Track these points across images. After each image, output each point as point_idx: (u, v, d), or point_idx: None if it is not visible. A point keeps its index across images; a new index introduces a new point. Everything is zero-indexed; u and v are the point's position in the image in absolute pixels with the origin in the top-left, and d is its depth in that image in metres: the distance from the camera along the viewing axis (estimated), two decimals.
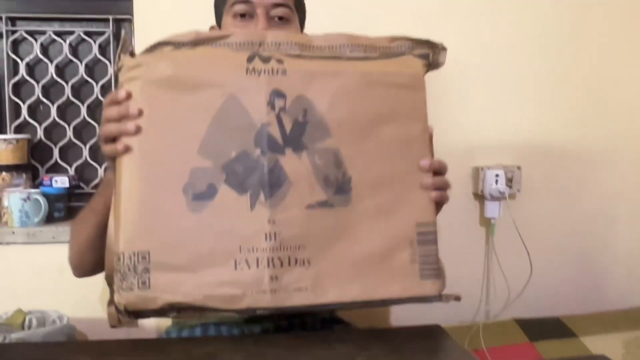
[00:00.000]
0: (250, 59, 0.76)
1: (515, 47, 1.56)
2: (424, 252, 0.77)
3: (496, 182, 1.50)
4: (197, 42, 0.79)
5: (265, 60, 0.76)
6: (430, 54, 0.86)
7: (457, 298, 0.78)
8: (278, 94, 0.76)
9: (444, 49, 0.85)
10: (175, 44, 0.78)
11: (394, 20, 1.50)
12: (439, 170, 0.84)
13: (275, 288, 0.71)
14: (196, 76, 0.76)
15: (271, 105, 0.76)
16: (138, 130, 0.73)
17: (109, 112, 0.76)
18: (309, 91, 0.77)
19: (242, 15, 0.97)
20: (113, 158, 0.76)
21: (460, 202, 1.57)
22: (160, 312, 0.71)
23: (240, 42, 0.78)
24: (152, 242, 0.71)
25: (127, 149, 0.73)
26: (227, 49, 0.78)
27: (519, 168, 1.54)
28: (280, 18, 0.98)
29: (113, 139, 0.75)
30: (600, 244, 1.64)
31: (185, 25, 1.39)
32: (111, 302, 0.72)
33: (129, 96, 0.74)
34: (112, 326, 0.72)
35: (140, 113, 0.73)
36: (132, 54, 0.78)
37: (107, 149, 0.76)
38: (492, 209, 1.53)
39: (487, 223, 1.56)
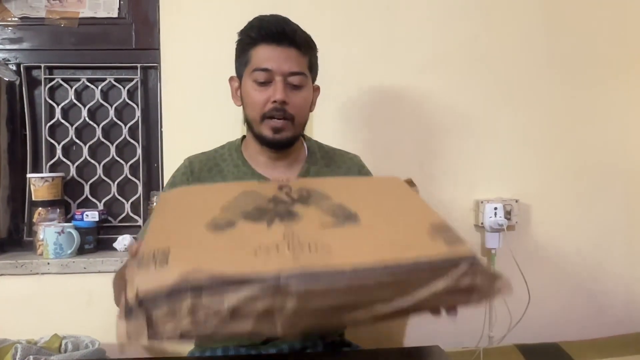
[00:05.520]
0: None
1: (513, 92, 1.67)
2: (444, 235, 0.75)
3: (495, 214, 1.59)
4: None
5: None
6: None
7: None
8: (284, 186, 0.89)
9: None
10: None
11: (399, 69, 1.63)
12: None
13: (298, 258, 0.67)
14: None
15: (279, 189, 0.88)
16: None
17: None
18: (311, 184, 0.91)
19: (262, 79, 1.06)
20: None
21: (463, 233, 1.65)
22: (174, 294, 0.62)
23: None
24: (173, 241, 0.71)
25: None
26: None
27: (516, 201, 1.64)
28: (296, 82, 1.07)
29: None
30: (598, 272, 1.72)
31: (208, 74, 1.54)
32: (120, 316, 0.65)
33: None
34: (121, 348, 0.63)
35: None
36: None
37: None
38: (492, 240, 1.62)
39: (488, 253, 1.66)
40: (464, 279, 0.68)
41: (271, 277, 0.63)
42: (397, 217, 0.82)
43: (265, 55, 1.06)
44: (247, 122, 1.13)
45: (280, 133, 1.08)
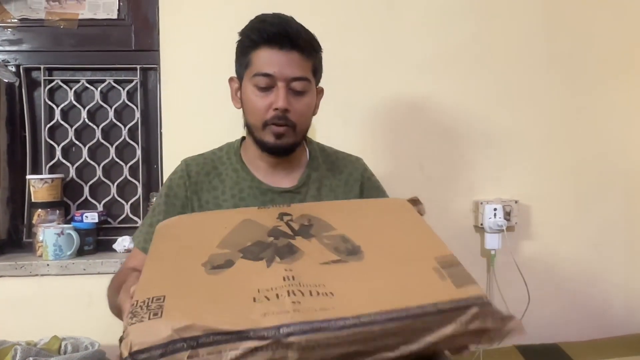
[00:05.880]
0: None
1: (513, 93, 1.68)
2: (451, 272, 0.72)
3: (494, 215, 1.60)
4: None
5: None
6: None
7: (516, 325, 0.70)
8: (285, 214, 0.89)
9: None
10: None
11: (398, 70, 1.63)
12: None
13: (299, 309, 0.64)
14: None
15: (280, 218, 0.88)
16: None
17: None
18: (314, 210, 0.90)
19: (264, 84, 1.02)
20: None
21: (463, 234, 1.67)
22: (169, 348, 0.59)
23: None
24: (168, 289, 0.68)
25: None
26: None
27: (516, 202, 1.64)
28: (299, 87, 1.03)
29: None
30: (597, 273, 1.72)
31: (208, 75, 1.54)
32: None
33: None
34: None
35: None
36: None
37: None
38: (492, 241, 1.62)
39: (487, 254, 1.66)
40: (474, 323, 0.66)
41: (271, 332, 0.61)
42: (403, 250, 0.80)
43: (267, 59, 1.01)
44: (248, 126, 1.09)
45: (282, 139, 1.04)
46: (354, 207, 1.00)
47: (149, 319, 0.62)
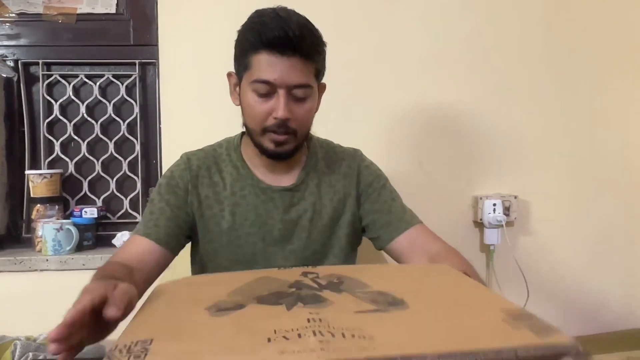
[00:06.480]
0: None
1: (513, 88, 1.67)
2: (527, 323, 0.55)
3: (494, 210, 1.60)
4: None
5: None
6: None
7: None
8: (309, 272, 0.77)
9: None
10: None
11: (398, 65, 1.63)
12: None
13: (327, 348, 0.49)
14: None
15: (304, 275, 0.76)
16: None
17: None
18: (344, 271, 0.77)
19: (264, 90, 0.97)
20: None
21: (462, 229, 1.67)
22: None
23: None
24: (159, 332, 0.56)
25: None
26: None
27: (515, 197, 1.64)
28: (301, 94, 0.99)
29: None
30: (597, 268, 1.72)
31: (207, 70, 1.54)
32: None
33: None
34: None
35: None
36: None
37: None
38: (491, 236, 1.62)
39: (486, 249, 1.66)
40: None
41: None
42: (458, 304, 0.65)
43: (267, 65, 0.96)
44: (247, 127, 1.07)
45: (283, 146, 1.02)
46: (392, 270, 0.91)
47: None
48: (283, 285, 0.71)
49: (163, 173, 1.18)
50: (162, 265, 1.05)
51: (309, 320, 0.55)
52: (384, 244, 1.11)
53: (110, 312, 0.64)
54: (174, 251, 1.08)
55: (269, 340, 0.51)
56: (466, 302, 0.65)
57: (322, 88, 1.10)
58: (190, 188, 1.10)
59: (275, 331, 0.53)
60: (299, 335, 0.51)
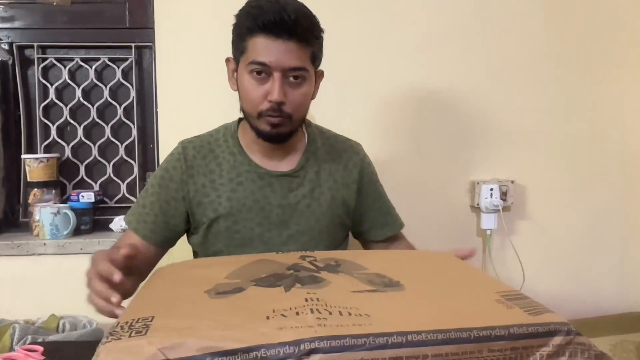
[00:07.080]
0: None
1: (510, 72, 1.66)
2: (520, 303, 0.59)
3: (491, 195, 1.60)
4: None
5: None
6: None
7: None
8: (307, 255, 0.79)
9: None
10: None
11: (395, 49, 1.62)
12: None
13: (325, 324, 0.51)
14: None
15: (301, 258, 0.79)
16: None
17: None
18: (341, 255, 0.81)
19: (259, 73, 0.99)
20: None
21: (459, 214, 1.67)
22: None
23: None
24: (159, 310, 0.59)
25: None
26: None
27: (512, 182, 1.64)
28: (296, 77, 1.00)
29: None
30: (592, 253, 1.73)
31: (204, 53, 1.52)
32: None
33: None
34: None
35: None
36: None
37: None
38: (488, 221, 1.63)
39: (483, 234, 1.67)
40: (560, 358, 0.52)
41: (288, 348, 0.48)
42: (454, 286, 0.67)
43: (262, 48, 0.97)
44: (243, 111, 1.07)
45: (278, 128, 1.02)
46: (390, 254, 0.93)
47: (130, 337, 0.51)
48: (281, 267, 0.74)
49: (160, 159, 1.18)
50: (149, 259, 1.11)
51: (306, 300, 0.58)
52: (376, 238, 1.22)
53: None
54: (161, 245, 1.13)
55: (267, 318, 0.54)
56: (462, 284, 0.69)
57: (319, 75, 1.11)
58: (186, 178, 1.10)
59: (273, 310, 0.56)
60: (297, 313, 0.55)
